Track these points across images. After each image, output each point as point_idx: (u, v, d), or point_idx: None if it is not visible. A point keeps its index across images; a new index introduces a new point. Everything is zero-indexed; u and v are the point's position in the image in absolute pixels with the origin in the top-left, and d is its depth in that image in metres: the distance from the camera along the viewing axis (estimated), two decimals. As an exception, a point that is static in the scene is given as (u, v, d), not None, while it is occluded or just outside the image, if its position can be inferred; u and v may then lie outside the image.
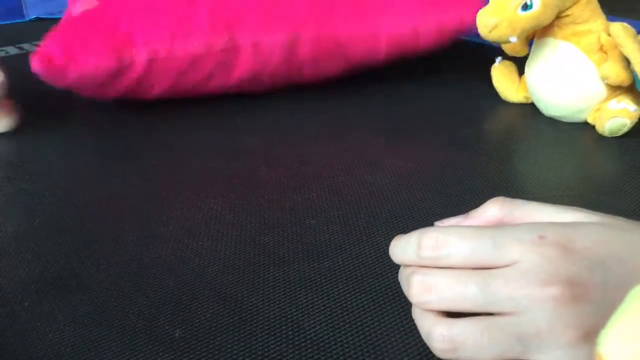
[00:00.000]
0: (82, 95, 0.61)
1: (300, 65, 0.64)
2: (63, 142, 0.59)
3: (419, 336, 0.28)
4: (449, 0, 0.65)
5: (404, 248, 0.28)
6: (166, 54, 0.59)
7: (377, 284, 0.37)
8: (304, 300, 0.35)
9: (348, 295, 0.36)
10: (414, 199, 0.46)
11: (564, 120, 0.60)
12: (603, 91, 0.56)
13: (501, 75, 0.66)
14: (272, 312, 0.34)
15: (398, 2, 0.64)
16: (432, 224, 0.32)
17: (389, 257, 0.30)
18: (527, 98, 0.64)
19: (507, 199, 0.30)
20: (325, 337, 0.33)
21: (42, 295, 0.36)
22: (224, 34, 0.60)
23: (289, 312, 0.34)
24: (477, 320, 0.26)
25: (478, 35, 0.56)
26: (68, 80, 0.56)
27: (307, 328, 0.33)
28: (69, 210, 0.46)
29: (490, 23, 0.53)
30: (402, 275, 0.29)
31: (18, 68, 0.60)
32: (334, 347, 0.32)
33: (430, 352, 0.27)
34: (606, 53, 0.55)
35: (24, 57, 0.84)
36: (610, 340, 0.17)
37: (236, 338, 0.33)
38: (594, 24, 0.55)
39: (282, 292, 0.36)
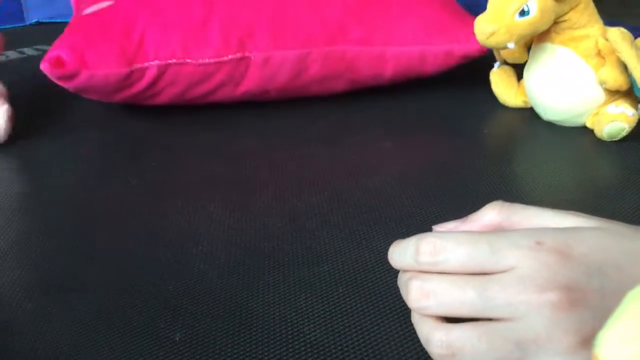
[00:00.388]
0: (87, 98, 0.61)
1: (307, 82, 0.64)
2: (63, 144, 0.59)
3: (418, 341, 0.28)
4: (456, 27, 0.65)
5: (402, 253, 0.29)
6: (177, 66, 0.59)
7: (376, 289, 0.37)
8: (304, 304, 0.36)
9: (347, 300, 0.36)
10: (413, 204, 0.47)
11: (563, 124, 0.60)
12: (601, 95, 0.56)
13: (500, 80, 0.66)
14: (271, 316, 0.35)
15: (407, 27, 0.65)
16: (431, 229, 0.32)
17: (388, 262, 0.30)
18: (525, 102, 0.64)
19: (506, 204, 0.30)
20: (325, 341, 0.33)
21: (42, 297, 0.36)
22: (236, 48, 0.60)
23: (289, 316, 0.35)
24: (475, 326, 0.26)
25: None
26: (77, 83, 0.56)
27: (307, 332, 0.33)
28: (70, 213, 0.46)
29: (488, 30, 0.53)
30: (401, 281, 0.29)
31: (18, 72, 0.60)
32: (333, 351, 0.32)
33: (429, 357, 0.28)
34: (604, 58, 0.55)
35: (24, 61, 0.85)
36: (607, 343, 0.17)
37: (236, 342, 0.33)
38: (592, 29, 0.55)
39: (282, 296, 0.36)
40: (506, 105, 0.66)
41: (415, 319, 0.28)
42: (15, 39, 0.95)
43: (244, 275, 0.38)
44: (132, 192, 0.49)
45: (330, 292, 0.37)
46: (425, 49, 0.65)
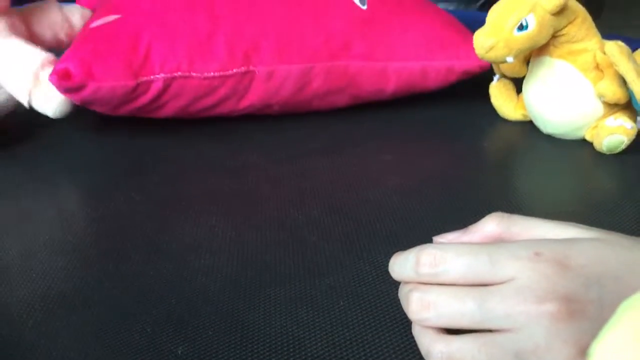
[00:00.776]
0: (92, 110, 0.62)
1: (310, 96, 0.65)
2: (65, 158, 0.59)
3: (419, 353, 0.29)
4: (457, 44, 0.66)
5: (402, 265, 0.29)
6: (182, 79, 0.59)
7: (377, 301, 0.37)
8: (305, 317, 0.36)
9: (349, 312, 0.36)
10: (414, 216, 0.47)
11: (562, 137, 0.60)
12: (600, 109, 0.57)
13: (499, 93, 0.66)
14: (273, 329, 0.35)
15: (409, 43, 0.66)
16: (432, 241, 0.32)
17: (389, 274, 0.30)
18: (525, 116, 0.65)
19: (506, 215, 0.30)
20: (326, 354, 0.33)
21: (46, 313, 0.37)
22: (240, 62, 0.61)
23: (290, 329, 0.35)
24: (475, 337, 0.26)
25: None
26: (84, 96, 0.57)
27: (308, 345, 0.34)
28: (73, 228, 0.47)
29: (487, 44, 0.54)
30: (402, 292, 0.29)
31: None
32: (334, 363, 0.32)
33: (430, 369, 0.28)
34: (602, 71, 0.55)
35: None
36: (601, 352, 0.17)
37: (238, 355, 0.33)
38: (590, 43, 0.56)
39: (283, 309, 0.36)
40: (506, 118, 0.66)
41: (416, 330, 0.29)
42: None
43: (245, 288, 0.39)
44: (135, 206, 0.50)
45: (331, 305, 0.37)
46: (426, 64, 0.66)
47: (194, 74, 0.59)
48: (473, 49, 0.65)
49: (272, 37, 0.62)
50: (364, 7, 0.66)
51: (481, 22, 0.56)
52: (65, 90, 0.56)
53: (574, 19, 0.55)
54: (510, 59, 0.55)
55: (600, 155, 0.57)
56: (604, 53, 0.54)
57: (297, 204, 0.49)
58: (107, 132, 0.64)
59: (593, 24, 0.57)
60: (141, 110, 0.61)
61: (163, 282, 0.39)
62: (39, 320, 0.36)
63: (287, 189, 0.52)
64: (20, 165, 0.57)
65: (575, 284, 0.25)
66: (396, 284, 0.31)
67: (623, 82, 0.53)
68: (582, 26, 0.56)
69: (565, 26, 0.55)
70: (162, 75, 0.59)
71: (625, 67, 0.51)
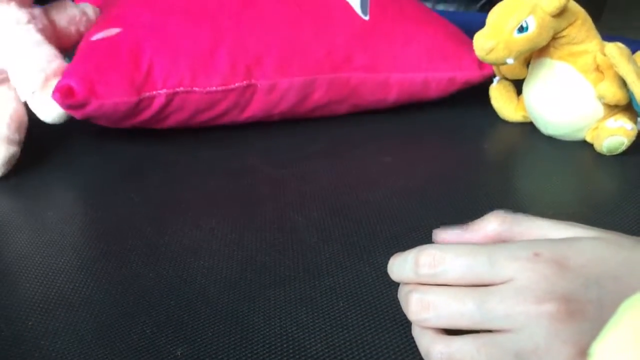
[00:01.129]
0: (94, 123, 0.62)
1: (311, 107, 0.65)
2: (65, 161, 0.59)
3: (419, 354, 0.29)
4: (459, 55, 0.66)
5: (402, 265, 0.29)
6: (184, 94, 0.59)
7: (377, 302, 0.37)
8: (305, 319, 0.36)
9: (348, 314, 0.36)
10: (414, 218, 0.47)
11: (563, 138, 0.60)
12: (600, 110, 0.57)
13: (499, 95, 0.66)
14: (272, 331, 0.35)
15: (411, 54, 0.66)
16: (432, 243, 0.32)
17: (389, 276, 0.30)
18: (525, 117, 0.65)
19: (508, 214, 0.30)
20: (326, 355, 0.33)
21: (46, 314, 0.37)
22: (243, 76, 0.60)
23: (290, 331, 0.35)
24: (475, 338, 0.26)
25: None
26: (87, 112, 0.57)
27: (308, 346, 0.33)
28: (72, 229, 0.47)
29: (487, 46, 0.54)
30: (401, 293, 0.29)
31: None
32: (334, 365, 0.32)
33: (429, 370, 0.28)
34: (602, 73, 0.55)
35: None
36: (602, 351, 0.17)
37: (237, 356, 0.33)
38: (590, 44, 0.56)
39: (283, 311, 0.36)
40: (506, 120, 0.66)
41: (416, 331, 0.29)
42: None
43: (245, 289, 0.39)
44: (134, 208, 0.50)
45: (331, 306, 0.37)
46: (428, 75, 0.66)
47: (196, 89, 0.59)
48: (475, 60, 0.65)
49: (274, 51, 0.62)
50: (366, 18, 0.66)
51: (481, 24, 0.56)
52: (68, 107, 0.56)
53: (574, 21, 0.55)
54: (510, 61, 0.55)
55: (600, 156, 0.57)
56: (604, 55, 0.54)
57: (297, 206, 0.49)
58: (106, 135, 0.64)
59: (593, 26, 0.57)
60: (143, 123, 0.61)
61: (162, 284, 0.39)
62: (39, 320, 0.36)
63: (287, 191, 0.52)
64: (20, 167, 0.57)
65: (575, 284, 0.25)
66: (396, 285, 0.31)
67: (623, 83, 0.53)
68: (583, 28, 0.56)
69: (566, 28, 0.55)
70: (164, 90, 0.58)
71: (626, 69, 0.51)
